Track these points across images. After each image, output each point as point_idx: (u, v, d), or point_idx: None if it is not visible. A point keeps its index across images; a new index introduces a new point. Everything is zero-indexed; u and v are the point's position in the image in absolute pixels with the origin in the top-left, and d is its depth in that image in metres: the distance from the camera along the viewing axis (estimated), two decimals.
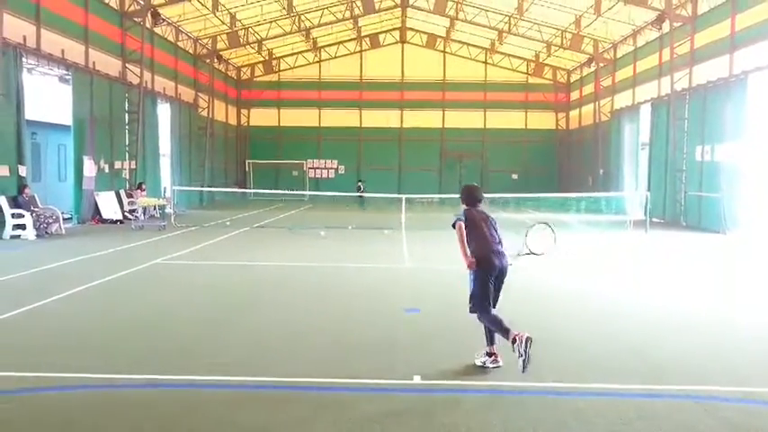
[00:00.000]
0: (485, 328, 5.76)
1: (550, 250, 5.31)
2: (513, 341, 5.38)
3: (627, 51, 29.22)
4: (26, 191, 16.11)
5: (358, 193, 30.20)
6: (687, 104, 22.20)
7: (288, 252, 14.00)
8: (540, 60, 37.53)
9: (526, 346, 5.28)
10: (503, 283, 5.88)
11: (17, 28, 16.43)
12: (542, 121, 39.67)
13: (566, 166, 38.62)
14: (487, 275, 5.71)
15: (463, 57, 39.00)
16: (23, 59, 16.66)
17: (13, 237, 15.12)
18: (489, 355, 5.70)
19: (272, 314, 7.96)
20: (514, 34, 32.92)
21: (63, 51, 18.63)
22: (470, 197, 6.14)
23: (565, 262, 12.94)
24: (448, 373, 5.61)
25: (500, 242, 5.90)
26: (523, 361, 5.28)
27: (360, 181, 33.18)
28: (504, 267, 5.82)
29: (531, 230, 5.97)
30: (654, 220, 21.39)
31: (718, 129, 19.52)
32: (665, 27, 23.71)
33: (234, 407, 4.76)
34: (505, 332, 5.49)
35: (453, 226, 5.90)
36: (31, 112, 17.60)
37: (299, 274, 11.22)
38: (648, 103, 25.73)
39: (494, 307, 5.77)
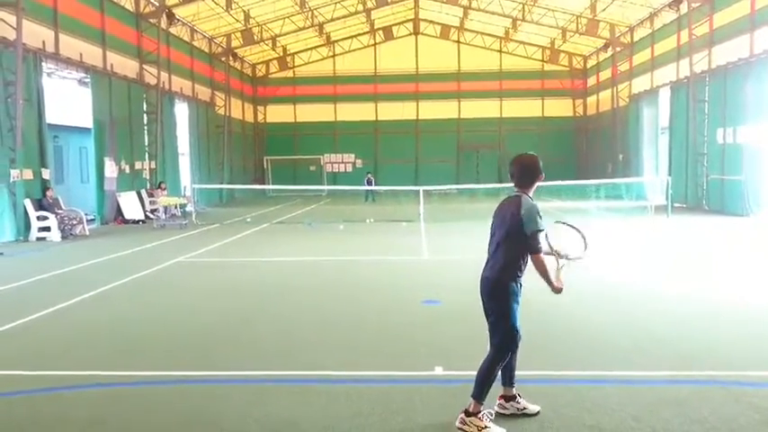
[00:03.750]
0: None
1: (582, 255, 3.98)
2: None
3: (644, 34, 28.78)
4: (50, 193, 16.40)
5: (368, 187, 30.06)
6: (707, 86, 21.84)
7: (307, 247, 14.09)
8: (556, 47, 37.14)
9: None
10: (487, 309, 4.36)
11: (36, 33, 16.68)
12: (559, 108, 39.30)
13: (584, 152, 38.24)
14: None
15: (478, 46, 38.75)
16: (43, 64, 16.93)
17: (39, 239, 15.42)
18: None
19: (292, 309, 8.04)
20: (529, 21, 32.60)
21: (81, 55, 18.88)
22: (514, 173, 4.37)
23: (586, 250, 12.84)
24: (470, 363, 5.58)
25: (494, 252, 4.34)
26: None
27: (368, 173, 33.03)
28: (482, 287, 4.37)
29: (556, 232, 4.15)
30: (675, 204, 21.10)
31: (740, 110, 19.17)
32: (683, 8, 23.31)
33: (259, 400, 4.82)
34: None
35: (536, 245, 4.11)
36: (52, 116, 17.90)
37: (319, 268, 11.30)
38: (667, 86, 25.35)
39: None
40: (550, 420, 4.35)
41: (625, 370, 5.36)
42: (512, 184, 4.40)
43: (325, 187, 35.49)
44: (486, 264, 4.38)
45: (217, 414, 4.56)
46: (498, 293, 4.24)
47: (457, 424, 4.21)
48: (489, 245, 4.40)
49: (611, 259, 11.52)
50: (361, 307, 8.07)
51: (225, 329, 7.01)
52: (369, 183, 30.62)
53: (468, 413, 4.20)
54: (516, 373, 4.67)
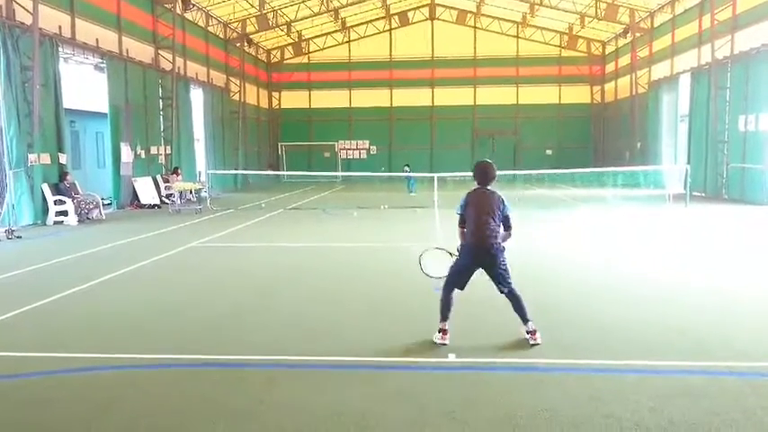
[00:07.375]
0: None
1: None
2: (441, 330, 5.72)
3: (665, 20, 28.24)
4: (67, 178, 16.54)
5: (406, 174, 28.60)
6: (729, 73, 21.41)
7: (321, 233, 14.09)
8: (574, 32, 36.59)
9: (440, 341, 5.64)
10: (495, 267, 5.72)
11: (53, 18, 16.75)
12: (577, 94, 38.81)
13: (602, 140, 37.80)
14: (469, 257, 5.82)
15: (494, 32, 38.28)
16: (60, 49, 17.00)
17: (56, 223, 15.59)
18: (440, 330, 5.75)
19: (305, 294, 8.04)
20: (547, 6, 32.14)
21: (97, 40, 18.94)
22: (482, 176, 6.06)
23: (603, 239, 12.72)
24: (482, 351, 5.59)
25: (494, 227, 5.75)
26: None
27: (406, 165, 31.01)
28: (487, 250, 5.71)
29: (426, 254, 6.46)
30: (694, 193, 20.81)
31: (763, 97, 18.81)
32: None
33: (272, 385, 4.84)
34: (443, 317, 5.76)
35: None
36: (68, 101, 17.99)
37: (332, 254, 11.30)
38: (688, 73, 24.90)
39: (506, 289, 5.76)
40: (565, 409, 4.30)
41: (642, 359, 5.29)
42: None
43: (340, 174, 35.48)
44: (487, 234, 5.74)
45: (229, 398, 4.57)
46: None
47: (438, 341, 5.66)
48: (484, 220, 5.80)
49: (626, 248, 11.39)
50: (373, 293, 8.06)
51: (238, 314, 7.03)
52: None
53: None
54: (529, 361, 4.73)
